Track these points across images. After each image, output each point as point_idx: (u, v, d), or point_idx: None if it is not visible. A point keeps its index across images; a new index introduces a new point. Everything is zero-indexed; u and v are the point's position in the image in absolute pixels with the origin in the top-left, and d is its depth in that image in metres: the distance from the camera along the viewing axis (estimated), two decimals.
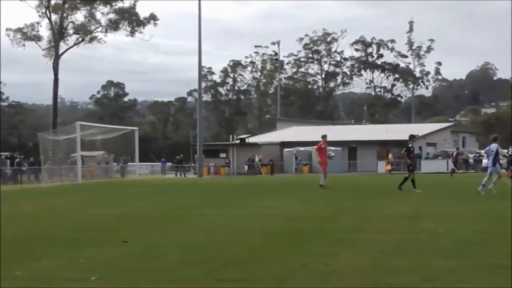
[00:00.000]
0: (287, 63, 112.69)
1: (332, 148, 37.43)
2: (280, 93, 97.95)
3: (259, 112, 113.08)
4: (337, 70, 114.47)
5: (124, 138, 45.22)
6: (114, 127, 51.00)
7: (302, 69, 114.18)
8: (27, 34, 65.79)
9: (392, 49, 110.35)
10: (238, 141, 65.00)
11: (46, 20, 65.77)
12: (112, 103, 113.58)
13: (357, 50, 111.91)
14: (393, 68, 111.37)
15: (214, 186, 32.38)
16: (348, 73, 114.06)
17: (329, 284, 6.46)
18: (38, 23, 65.86)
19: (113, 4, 67.36)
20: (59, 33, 65.27)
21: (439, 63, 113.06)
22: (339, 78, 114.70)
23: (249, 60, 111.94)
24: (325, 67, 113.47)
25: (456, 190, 22.92)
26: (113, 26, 67.67)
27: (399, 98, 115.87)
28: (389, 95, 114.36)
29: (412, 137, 22.54)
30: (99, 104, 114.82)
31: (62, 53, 66.44)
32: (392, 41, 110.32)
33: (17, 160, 42.07)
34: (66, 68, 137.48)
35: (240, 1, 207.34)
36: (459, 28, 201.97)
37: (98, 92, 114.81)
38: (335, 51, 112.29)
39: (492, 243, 9.03)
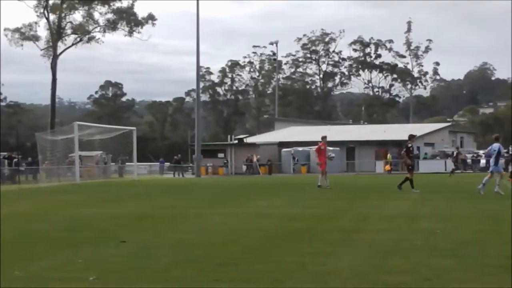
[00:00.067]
0: (285, 63, 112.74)
1: (331, 148, 37.38)
2: (278, 93, 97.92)
3: (257, 112, 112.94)
4: (335, 70, 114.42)
5: (122, 138, 45.22)
6: (112, 127, 51.02)
7: (300, 69, 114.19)
8: (25, 34, 65.69)
9: (390, 49, 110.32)
10: (236, 141, 64.87)
11: (44, 20, 65.74)
12: (110, 103, 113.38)
13: (355, 50, 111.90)
14: (391, 68, 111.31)
15: (212, 186, 32.37)
16: (346, 73, 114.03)
17: (326, 284, 6.46)
18: (36, 23, 65.83)
19: (111, 4, 67.29)
20: (57, 33, 65.17)
21: (437, 63, 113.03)
22: (337, 78, 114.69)
23: (247, 60, 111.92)
24: (323, 67, 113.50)
25: (454, 190, 22.90)
26: (111, 26, 67.57)
27: (397, 98, 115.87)
28: (387, 95, 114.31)
29: (411, 137, 22.51)
30: (97, 104, 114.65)
31: (60, 53, 66.40)
32: (390, 41, 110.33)
33: (15, 160, 42.05)
34: (64, 68, 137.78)
35: (238, 1, 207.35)
36: (457, 28, 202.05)
37: (96, 92, 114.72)
38: (333, 51, 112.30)
39: (489, 243, 9.03)
